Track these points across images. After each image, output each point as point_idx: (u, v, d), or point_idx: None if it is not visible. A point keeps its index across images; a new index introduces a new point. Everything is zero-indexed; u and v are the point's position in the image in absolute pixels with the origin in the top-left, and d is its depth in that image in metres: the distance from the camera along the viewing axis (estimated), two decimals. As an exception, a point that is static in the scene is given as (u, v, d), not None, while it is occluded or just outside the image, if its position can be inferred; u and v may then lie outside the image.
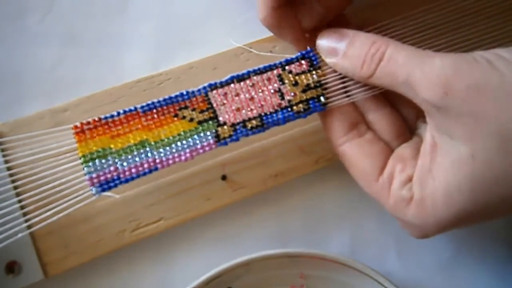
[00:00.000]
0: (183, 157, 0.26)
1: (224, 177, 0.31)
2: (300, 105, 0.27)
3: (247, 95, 0.27)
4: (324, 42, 0.27)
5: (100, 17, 0.34)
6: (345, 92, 0.28)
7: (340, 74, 0.27)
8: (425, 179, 0.24)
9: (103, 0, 0.34)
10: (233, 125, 0.27)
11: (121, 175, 0.26)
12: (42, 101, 0.31)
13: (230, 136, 0.27)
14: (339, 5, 0.28)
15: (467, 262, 0.34)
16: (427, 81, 0.22)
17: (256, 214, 0.33)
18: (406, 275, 0.34)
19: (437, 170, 0.23)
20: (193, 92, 0.27)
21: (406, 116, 0.28)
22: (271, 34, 0.32)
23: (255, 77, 0.27)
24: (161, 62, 0.32)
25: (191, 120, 0.27)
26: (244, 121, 0.27)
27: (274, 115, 0.27)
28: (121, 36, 0.34)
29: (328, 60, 0.27)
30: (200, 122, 0.27)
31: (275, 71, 0.27)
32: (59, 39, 0.33)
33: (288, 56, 0.28)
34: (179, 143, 0.26)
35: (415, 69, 0.23)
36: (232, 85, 0.27)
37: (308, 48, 0.28)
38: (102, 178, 0.26)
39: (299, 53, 0.27)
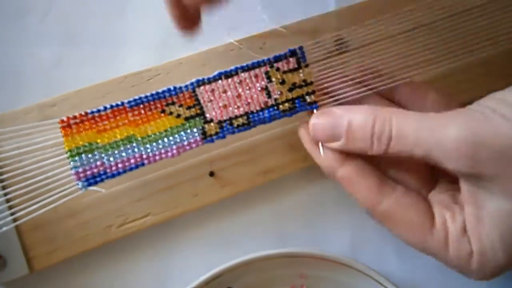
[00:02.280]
0: (169, 154, 0.26)
1: (212, 174, 0.31)
2: (286, 104, 0.27)
3: (234, 92, 0.27)
4: (319, 131, 0.26)
5: (100, 17, 0.34)
6: (332, 91, 0.28)
7: (327, 73, 0.27)
8: (479, 230, 0.23)
9: (103, 0, 0.34)
10: (219, 122, 0.27)
11: (108, 170, 0.26)
12: (43, 100, 0.30)
13: (217, 133, 0.27)
14: None
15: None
16: (449, 156, 0.22)
17: (253, 213, 0.33)
18: (406, 275, 0.34)
19: (487, 219, 0.23)
20: (180, 88, 0.27)
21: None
22: (261, 30, 0.32)
23: (242, 74, 0.27)
24: (161, 62, 0.32)
25: (178, 116, 0.27)
26: (230, 119, 0.27)
27: (261, 113, 0.27)
28: (121, 36, 0.34)
29: (330, 145, 0.26)
30: (187, 119, 0.27)
31: (262, 68, 0.27)
32: (59, 39, 0.33)
33: (277, 53, 0.28)
34: (165, 139, 0.26)
35: (432, 145, 0.22)
36: (219, 81, 0.27)
37: (298, 46, 0.28)
38: (88, 172, 0.26)
39: (287, 50, 0.27)
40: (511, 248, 0.23)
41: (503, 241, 0.23)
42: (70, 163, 0.26)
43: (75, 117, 0.26)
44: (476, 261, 0.23)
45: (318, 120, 0.26)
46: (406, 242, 0.25)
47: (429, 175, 0.27)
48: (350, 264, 0.30)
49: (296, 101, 0.27)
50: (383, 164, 0.27)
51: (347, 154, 0.26)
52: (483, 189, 0.23)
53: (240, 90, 0.27)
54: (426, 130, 0.22)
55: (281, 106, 0.27)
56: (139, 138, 0.26)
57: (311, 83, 0.27)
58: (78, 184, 0.26)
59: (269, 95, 0.27)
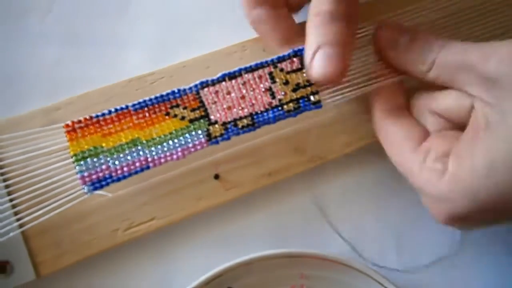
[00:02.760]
0: (174, 156, 0.26)
1: (216, 176, 0.31)
2: (291, 104, 0.27)
3: (238, 94, 0.27)
4: (385, 33, 0.27)
5: (101, 17, 0.34)
6: (335, 90, 0.28)
7: None
8: (465, 155, 0.24)
9: (104, 0, 0.34)
10: (224, 123, 0.27)
11: (113, 174, 0.26)
12: (42, 101, 0.30)
13: (222, 135, 0.27)
14: None
15: (467, 262, 0.34)
16: (485, 55, 0.23)
17: (255, 214, 0.33)
18: (406, 275, 0.34)
19: (481, 146, 0.23)
20: (184, 90, 0.27)
21: None
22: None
23: (246, 75, 0.27)
24: (162, 62, 0.32)
25: (183, 118, 0.27)
26: (235, 120, 0.27)
27: (265, 114, 0.27)
28: (122, 36, 0.34)
29: (387, 53, 0.27)
30: (191, 121, 0.27)
31: (266, 69, 0.27)
32: (60, 39, 0.33)
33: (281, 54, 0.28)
34: (170, 142, 0.26)
35: (474, 50, 0.24)
36: (223, 83, 0.27)
37: (301, 46, 0.28)
38: (94, 176, 0.26)
39: (291, 50, 0.27)
40: (495, 173, 0.22)
41: (490, 167, 0.22)
42: (75, 167, 0.26)
43: (80, 121, 0.26)
44: (446, 180, 0.24)
45: (387, 27, 0.28)
46: (391, 159, 0.27)
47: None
48: (350, 264, 0.30)
49: (301, 101, 0.27)
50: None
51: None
52: (497, 109, 0.23)
53: (244, 91, 0.27)
54: (469, 44, 0.25)
55: (285, 107, 0.27)
56: (144, 141, 0.26)
57: (315, 83, 0.27)
58: (84, 188, 0.26)
59: (273, 95, 0.27)
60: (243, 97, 0.27)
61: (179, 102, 0.27)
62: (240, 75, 0.27)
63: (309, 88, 0.27)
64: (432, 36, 0.26)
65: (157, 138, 0.26)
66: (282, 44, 0.28)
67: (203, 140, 0.27)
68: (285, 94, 0.27)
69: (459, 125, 0.26)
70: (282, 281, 0.31)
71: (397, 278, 0.32)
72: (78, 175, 0.26)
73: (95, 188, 0.26)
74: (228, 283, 0.30)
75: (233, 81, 0.27)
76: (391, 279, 0.31)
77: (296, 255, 0.30)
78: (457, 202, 0.23)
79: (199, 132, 0.27)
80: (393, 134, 0.27)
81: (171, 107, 0.26)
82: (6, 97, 0.32)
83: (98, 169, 0.26)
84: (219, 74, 0.27)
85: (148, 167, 0.26)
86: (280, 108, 0.27)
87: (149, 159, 0.26)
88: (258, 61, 0.27)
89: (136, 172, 0.26)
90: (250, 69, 0.27)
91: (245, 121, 0.27)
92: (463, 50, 0.25)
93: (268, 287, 0.31)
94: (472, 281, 0.34)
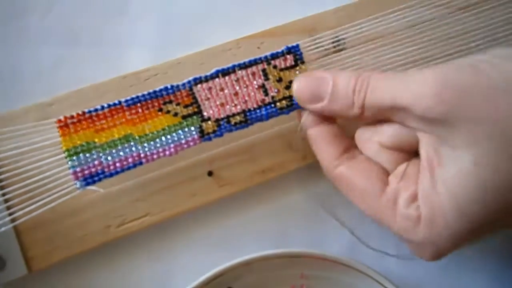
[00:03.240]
0: (167, 152, 0.26)
1: (210, 173, 0.31)
2: (283, 101, 0.27)
3: (231, 90, 0.27)
4: (304, 91, 0.26)
5: (100, 17, 0.34)
6: None
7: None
8: (431, 196, 0.23)
9: (102, 0, 0.34)
10: (217, 120, 0.27)
11: (106, 169, 0.26)
12: (41, 100, 0.30)
13: (214, 131, 0.27)
14: None
15: (467, 262, 0.34)
16: (417, 96, 0.22)
17: (252, 212, 0.33)
18: (406, 275, 0.34)
19: (441, 184, 0.22)
20: (177, 86, 0.27)
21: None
22: (259, 30, 0.32)
23: (240, 72, 0.27)
24: (160, 61, 0.32)
25: (176, 114, 0.27)
26: (228, 117, 0.27)
27: (258, 111, 0.27)
28: (121, 36, 0.34)
29: (313, 107, 0.26)
30: (184, 117, 0.27)
31: (260, 66, 0.27)
32: (59, 39, 0.33)
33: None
34: (163, 138, 0.26)
35: (401, 90, 0.23)
36: (216, 79, 0.27)
37: (294, 44, 0.28)
38: (86, 172, 0.26)
39: (285, 47, 0.27)
40: (465, 214, 0.22)
41: (457, 207, 0.22)
42: (68, 162, 0.26)
43: (72, 117, 0.26)
44: (423, 227, 0.23)
45: (304, 81, 0.26)
46: (358, 208, 0.26)
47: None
48: (350, 264, 0.30)
49: (293, 98, 0.27)
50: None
51: (324, 117, 0.27)
52: (446, 146, 0.22)
53: (237, 88, 0.27)
54: (396, 79, 0.24)
55: (278, 104, 0.27)
56: (137, 137, 0.26)
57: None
58: (76, 183, 0.26)
59: (266, 92, 0.27)
60: (236, 94, 0.27)
61: (172, 98, 0.27)
62: (234, 71, 0.27)
63: (301, 86, 0.27)
64: (353, 74, 0.25)
65: (150, 134, 0.26)
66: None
67: (196, 136, 0.27)
68: (278, 91, 0.27)
69: (413, 153, 0.25)
70: (282, 281, 0.31)
71: (397, 279, 0.32)
72: (71, 170, 0.26)
73: (88, 184, 0.26)
74: (228, 283, 0.30)
75: (227, 77, 0.27)
76: (391, 277, 0.31)
77: (296, 255, 0.30)
78: (439, 245, 0.23)
79: (192, 128, 0.27)
80: (351, 184, 0.25)
81: (164, 103, 0.26)
82: (5, 97, 0.31)
83: (91, 165, 0.26)
84: (212, 70, 0.27)
85: (141, 163, 0.26)
86: (273, 105, 0.27)
87: (142, 155, 0.26)
88: (252, 58, 0.27)
89: (129, 168, 0.26)
90: (244, 66, 0.27)
91: (238, 118, 0.27)
92: (391, 90, 0.23)
93: (268, 287, 0.31)
94: (472, 281, 0.34)
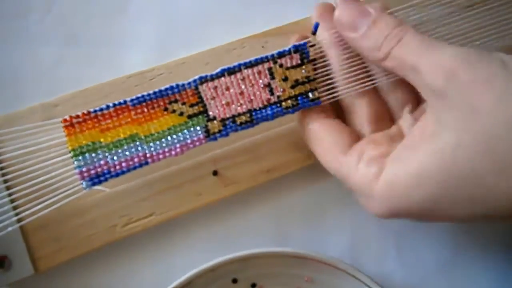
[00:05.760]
0: (173, 152, 0.26)
1: (215, 173, 0.31)
2: (289, 101, 0.27)
3: (237, 89, 0.27)
4: (345, 16, 0.26)
5: (100, 17, 0.34)
6: (334, 87, 0.28)
7: (330, 69, 0.27)
8: (402, 159, 0.24)
9: (103, 0, 0.34)
10: (222, 120, 0.27)
11: (111, 169, 0.26)
12: (42, 100, 0.30)
13: (220, 131, 0.27)
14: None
15: (467, 262, 0.34)
16: (432, 67, 0.23)
17: (254, 211, 0.33)
18: (406, 275, 0.34)
19: (418, 154, 0.23)
20: (183, 85, 0.27)
21: (392, 105, 0.28)
22: (264, 29, 0.32)
23: (245, 71, 0.27)
24: (162, 61, 0.32)
25: (181, 114, 0.27)
26: (233, 116, 0.27)
27: (263, 110, 0.27)
28: (121, 36, 0.34)
29: (346, 34, 0.27)
30: (190, 116, 0.27)
31: (266, 65, 0.27)
32: (59, 39, 0.33)
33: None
34: (169, 138, 0.26)
35: (424, 55, 0.24)
36: (222, 78, 0.27)
37: (302, 42, 0.28)
38: (92, 172, 0.26)
39: (292, 45, 0.27)
40: (424, 187, 0.23)
41: (420, 177, 0.23)
42: (73, 162, 0.26)
43: (78, 116, 0.26)
44: (381, 184, 0.24)
45: (348, 7, 0.26)
46: (321, 160, 0.27)
47: (382, 118, 0.28)
48: (356, 275, 0.30)
49: (299, 98, 0.27)
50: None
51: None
52: (439, 122, 0.23)
53: (243, 87, 0.27)
54: (427, 45, 0.24)
55: (283, 103, 0.27)
56: (143, 137, 0.26)
57: (314, 79, 0.27)
58: (82, 183, 0.26)
59: (271, 92, 0.27)
60: (242, 93, 0.27)
61: (177, 97, 0.27)
62: (240, 70, 0.27)
63: (307, 85, 0.27)
64: (394, 21, 0.25)
65: (156, 134, 0.26)
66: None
67: (201, 136, 0.27)
68: (284, 90, 0.27)
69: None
70: (288, 281, 0.31)
71: (397, 279, 0.32)
72: (77, 170, 0.26)
73: (94, 184, 0.26)
74: (233, 274, 0.30)
75: (232, 76, 0.27)
76: (391, 277, 0.30)
77: (303, 256, 0.30)
78: (391, 204, 0.24)
79: (198, 128, 0.27)
80: (321, 139, 0.27)
81: (170, 103, 0.26)
82: (5, 96, 0.31)
83: (97, 164, 0.26)
84: (218, 69, 0.27)
85: (146, 163, 0.26)
86: (278, 105, 0.27)
87: (148, 155, 0.26)
88: (258, 56, 0.27)
89: (135, 168, 0.26)
90: (250, 64, 0.27)
91: (243, 118, 0.27)
92: (416, 52, 0.24)
93: (273, 285, 0.31)
94: (472, 282, 0.34)
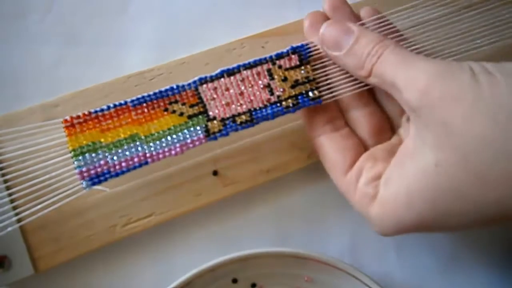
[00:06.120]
0: (173, 152, 0.26)
1: (215, 173, 0.31)
2: (289, 100, 0.27)
3: (237, 90, 0.27)
4: (329, 34, 0.27)
5: (100, 17, 0.34)
6: (333, 87, 0.28)
7: (328, 70, 0.27)
8: (392, 180, 0.24)
9: (103, 0, 0.34)
10: (222, 119, 0.27)
11: (112, 169, 0.26)
12: (42, 100, 0.30)
13: (220, 131, 0.27)
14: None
15: (466, 263, 0.35)
16: (408, 83, 0.23)
17: (254, 211, 0.33)
18: (406, 275, 0.34)
19: (404, 173, 0.24)
20: (183, 86, 0.27)
21: (392, 115, 0.28)
22: (263, 29, 0.32)
23: (245, 72, 0.27)
24: (161, 61, 0.32)
25: (181, 114, 0.27)
26: (233, 116, 0.27)
27: (264, 110, 0.27)
28: (121, 36, 0.34)
29: (330, 52, 0.27)
30: (190, 117, 0.27)
31: (265, 66, 0.27)
32: (59, 39, 0.33)
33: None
34: (169, 138, 0.26)
35: (400, 71, 0.24)
36: (222, 79, 0.27)
37: (300, 43, 0.28)
38: (92, 172, 0.26)
39: (290, 47, 0.27)
40: (414, 207, 0.23)
41: (408, 198, 0.23)
42: (74, 162, 0.26)
43: (78, 117, 0.26)
44: (376, 206, 0.25)
45: (332, 27, 0.27)
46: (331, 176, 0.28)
47: (384, 128, 0.28)
48: (357, 276, 0.30)
49: (299, 97, 0.27)
50: (349, 103, 0.28)
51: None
52: (419, 138, 0.23)
53: (242, 87, 0.27)
54: (406, 60, 0.24)
55: (284, 103, 0.27)
56: (143, 137, 0.26)
57: (314, 79, 0.27)
58: (82, 183, 0.26)
59: (271, 92, 0.27)
60: (241, 94, 0.27)
61: (177, 98, 0.27)
62: (239, 71, 0.27)
63: (307, 85, 0.27)
64: (377, 38, 0.25)
65: (156, 134, 0.26)
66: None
67: (201, 136, 0.27)
68: (284, 90, 0.27)
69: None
70: (287, 281, 0.31)
71: (397, 279, 0.32)
72: (77, 170, 0.26)
73: (94, 183, 0.26)
74: (233, 274, 0.30)
75: (232, 77, 0.27)
76: (391, 277, 0.30)
77: (303, 256, 0.30)
78: (385, 226, 0.25)
79: (198, 128, 0.27)
80: (326, 155, 0.28)
81: (170, 103, 0.27)
82: (5, 96, 0.31)
83: (97, 164, 0.26)
84: (217, 71, 0.27)
85: (146, 163, 0.26)
86: (278, 104, 0.27)
87: (148, 155, 0.26)
88: (257, 58, 0.27)
89: (135, 168, 0.26)
90: (249, 66, 0.27)
91: (243, 117, 0.27)
92: (394, 68, 0.24)
93: (273, 285, 0.31)
94: (472, 282, 0.34)
